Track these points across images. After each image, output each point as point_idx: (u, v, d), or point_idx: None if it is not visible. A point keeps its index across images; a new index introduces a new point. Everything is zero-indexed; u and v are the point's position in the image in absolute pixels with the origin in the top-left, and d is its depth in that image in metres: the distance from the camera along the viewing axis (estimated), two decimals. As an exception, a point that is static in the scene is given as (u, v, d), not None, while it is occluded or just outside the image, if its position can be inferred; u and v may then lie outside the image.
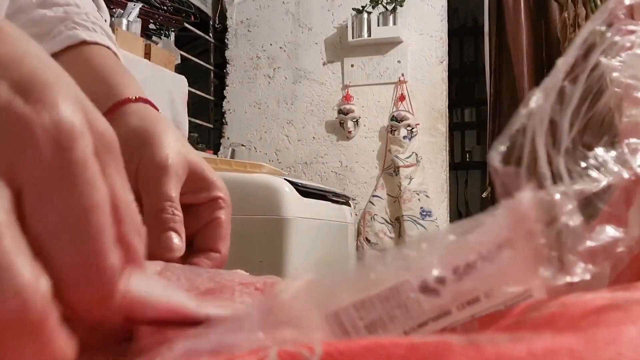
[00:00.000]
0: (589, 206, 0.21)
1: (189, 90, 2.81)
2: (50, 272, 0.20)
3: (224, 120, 3.43)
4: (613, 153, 0.22)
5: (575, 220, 0.20)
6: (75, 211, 0.21)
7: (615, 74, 0.24)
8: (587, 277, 0.21)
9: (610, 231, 0.22)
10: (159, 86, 2.53)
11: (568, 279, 0.21)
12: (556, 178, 0.21)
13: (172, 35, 2.98)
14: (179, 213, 0.40)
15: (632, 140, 0.23)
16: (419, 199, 2.95)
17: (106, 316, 0.22)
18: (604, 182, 0.21)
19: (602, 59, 0.23)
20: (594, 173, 0.21)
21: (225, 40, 3.46)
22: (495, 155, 0.21)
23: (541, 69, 2.86)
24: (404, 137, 3.03)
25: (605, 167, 0.21)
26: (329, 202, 2.17)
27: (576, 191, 0.21)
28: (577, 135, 0.21)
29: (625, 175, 0.22)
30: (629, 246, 0.22)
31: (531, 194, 0.20)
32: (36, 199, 0.20)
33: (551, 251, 0.20)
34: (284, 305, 0.21)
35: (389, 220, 3.04)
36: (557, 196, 0.20)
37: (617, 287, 0.22)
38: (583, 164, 0.21)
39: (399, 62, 3.12)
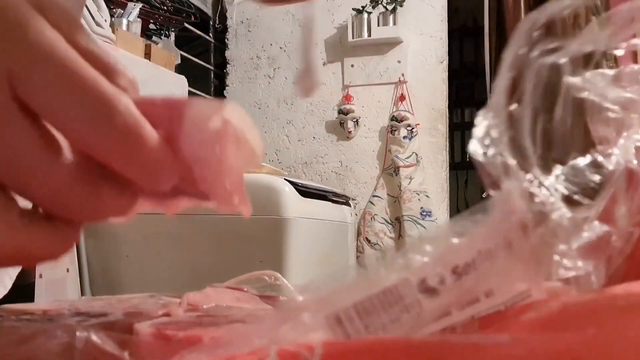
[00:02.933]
0: (577, 204, 0.22)
1: (189, 90, 2.81)
2: (67, 134, 0.23)
3: (224, 120, 3.42)
4: (588, 159, 0.23)
5: (564, 215, 0.21)
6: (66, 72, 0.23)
7: (583, 94, 0.25)
8: (581, 272, 0.21)
9: (599, 226, 0.22)
10: (159, 86, 2.53)
11: (562, 273, 0.21)
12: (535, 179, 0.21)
13: (172, 35, 2.98)
14: None
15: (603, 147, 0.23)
16: (419, 199, 2.95)
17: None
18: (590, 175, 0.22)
19: (567, 78, 0.24)
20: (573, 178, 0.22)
21: (225, 40, 3.46)
22: (476, 146, 0.21)
23: (541, 69, 2.85)
24: (404, 137, 3.03)
25: (581, 174, 0.22)
26: (329, 202, 2.17)
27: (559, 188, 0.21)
28: (542, 153, 0.22)
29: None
30: (618, 240, 0.22)
31: (517, 184, 0.20)
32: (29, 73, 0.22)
33: (545, 247, 0.21)
34: (286, 307, 0.21)
35: (389, 220, 3.04)
36: (542, 190, 0.21)
37: (617, 288, 0.22)
38: (558, 173, 0.22)
39: (399, 62, 3.12)
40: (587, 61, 0.25)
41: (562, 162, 0.22)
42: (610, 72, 0.25)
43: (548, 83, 0.23)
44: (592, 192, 0.22)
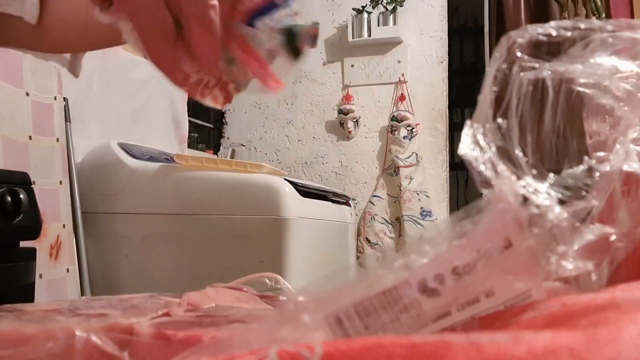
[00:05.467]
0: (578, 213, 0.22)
1: (189, 91, 2.80)
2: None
3: (224, 120, 3.43)
4: (582, 166, 0.23)
5: (561, 216, 0.21)
6: None
7: (581, 80, 0.25)
8: (581, 272, 0.21)
9: (600, 228, 0.22)
10: (159, 86, 2.53)
11: (562, 272, 0.21)
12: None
13: (172, 35, 2.98)
14: None
15: (600, 154, 0.24)
16: (419, 199, 2.95)
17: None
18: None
19: (566, 66, 0.24)
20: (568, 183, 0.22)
21: (225, 41, 3.46)
22: (464, 147, 0.21)
23: (541, 69, 2.85)
24: (404, 137, 3.03)
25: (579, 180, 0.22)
26: (329, 202, 2.17)
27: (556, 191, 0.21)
28: (536, 162, 0.22)
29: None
30: (621, 240, 0.23)
31: (508, 181, 0.20)
32: None
33: (544, 247, 0.21)
34: (286, 308, 0.21)
35: (389, 220, 3.04)
36: (537, 195, 0.21)
37: (617, 287, 0.22)
38: (551, 181, 0.22)
39: (399, 62, 3.12)
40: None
41: (556, 172, 0.23)
42: (610, 61, 0.25)
43: (534, 97, 0.24)
44: (585, 197, 0.22)
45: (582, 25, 0.25)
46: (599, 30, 0.25)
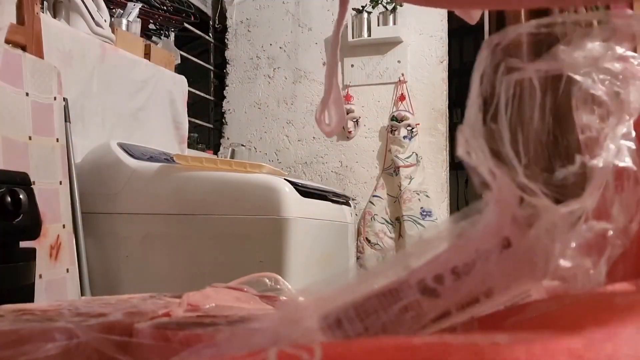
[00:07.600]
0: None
1: (189, 90, 2.81)
2: None
3: (224, 120, 3.43)
4: (574, 165, 0.23)
5: (557, 215, 0.21)
6: None
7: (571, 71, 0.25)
8: (579, 270, 0.21)
9: (596, 224, 0.22)
10: (159, 86, 2.53)
11: (561, 271, 0.21)
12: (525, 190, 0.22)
13: (172, 35, 2.98)
14: None
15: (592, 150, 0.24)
16: (419, 199, 2.95)
17: None
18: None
19: (560, 51, 0.24)
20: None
21: (225, 40, 3.46)
22: (462, 149, 0.21)
23: (541, 69, 2.86)
24: (404, 137, 3.03)
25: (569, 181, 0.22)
26: (329, 202, 2.17)
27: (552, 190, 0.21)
28: (528, 162, 0.22)
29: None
30: (616, 237, 0.23)
31: (505, 182, 0.21)
32: None
33: (542, 246, 0.21)
34: (286, 308, 0.21)
35: (389, 220, 3.04)
36: (531, 195, 0.21)
37: (615, 287, 0.22)
38: (545, 179, 0.22)
39: (399, 62, 3.12)
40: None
41: (548, 171, 0.23)
42: (600, 46, 0.26)
43: (521, 98, 0.24)
44: (577, 194, 0.22)
45: (561, 20, 0.25)
46: (578, 24, 0.25)
